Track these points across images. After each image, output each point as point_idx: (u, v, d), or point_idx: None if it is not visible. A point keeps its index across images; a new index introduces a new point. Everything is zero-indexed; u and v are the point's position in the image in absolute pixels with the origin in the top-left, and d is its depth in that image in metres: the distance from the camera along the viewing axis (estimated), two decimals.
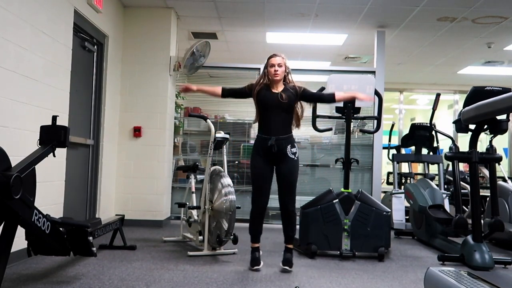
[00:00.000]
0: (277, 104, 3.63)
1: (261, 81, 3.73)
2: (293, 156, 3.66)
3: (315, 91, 3.98)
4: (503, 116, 4.24)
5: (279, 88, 3.71)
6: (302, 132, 6.70)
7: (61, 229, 3.02)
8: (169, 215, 6.30)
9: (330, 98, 3.84)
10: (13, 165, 2.61)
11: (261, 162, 3.69)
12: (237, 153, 6.72)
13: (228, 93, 3.83)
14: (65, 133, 3.01)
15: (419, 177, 7.33)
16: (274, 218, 6.46)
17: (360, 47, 7.53)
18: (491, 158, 4.41)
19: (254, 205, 3.73)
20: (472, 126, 4.16)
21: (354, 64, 8.50)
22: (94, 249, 3.13)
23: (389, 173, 7.75)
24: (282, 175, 3.68)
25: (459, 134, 7.87)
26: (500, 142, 9.43)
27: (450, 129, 8.96)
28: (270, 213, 6.47)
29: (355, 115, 4.71)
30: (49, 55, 4.01)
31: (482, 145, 7.61)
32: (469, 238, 4.08)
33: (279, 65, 3.68)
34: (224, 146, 4.58)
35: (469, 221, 4.22)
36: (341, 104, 4.58)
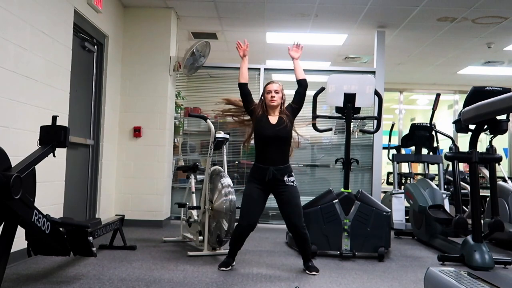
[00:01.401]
0: (275, 136, 3.62)
1: (259, 110, 3.72)
2: (291, 183, 3.64)
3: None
4: (503, 116, 4.24)
5: (276, 114, 3.71)
6: (302, 132, 6.69)
7: (61, 229, 3.02)
8: (169, 215, 6.30)
9: (301, 83, 3.77)
10: (13, 165, 2.61)
11: (256, 188, 3.64)
12: (237, 153, 6.72)
13: (243, 87, 3.78)
14: (65, 133, 3.00)
15: (419, 177, 7.34)
16: (274, 218, 6.47)
17: (360, 47, 7.53)
18: (491, 158, 4.41)
19: (240, 225, 3.65)
20: (472, 126, 4.16)
21: (354, 64, 8.50)
22: (94, 249, 3.13)
23: (389, 173, 7.75)
24: (284, 200, 3.64)
25: (459, 134, 7.89)
26: (500, 142, 9.43)
27: (450, 129, 8.96)
28: (270, 213, 6.47)
29: (355, 115, 4.71)
30: (49, 55, 4.01)
31: (482, 145, 7.61)
32: (469, 238, 4.08)
33: (276, 92, 3.69)
34: (224, 146, 4.58)
35: (469, 221, 4.22)
36: (341, 104, 4.58)
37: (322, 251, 4.31)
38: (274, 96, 3.68)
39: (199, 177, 4.95)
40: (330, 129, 5.07)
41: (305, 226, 3.68)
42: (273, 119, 3.69)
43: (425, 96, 11.53)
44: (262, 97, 3.78)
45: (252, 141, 3.83)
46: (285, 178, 3.62)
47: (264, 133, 3.65)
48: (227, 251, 4.22)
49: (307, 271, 3.64)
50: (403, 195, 6.14)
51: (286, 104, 3.79)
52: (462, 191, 4.84)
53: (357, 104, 4.58)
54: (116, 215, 4.82)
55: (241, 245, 3.78)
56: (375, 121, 4.98)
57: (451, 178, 5.81)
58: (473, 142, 4.16)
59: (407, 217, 6.10)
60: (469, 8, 5.70)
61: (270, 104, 3.69)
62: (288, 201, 3.63)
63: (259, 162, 3.68)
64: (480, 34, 6.66)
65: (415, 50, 7.71)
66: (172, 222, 6.27)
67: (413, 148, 6.60)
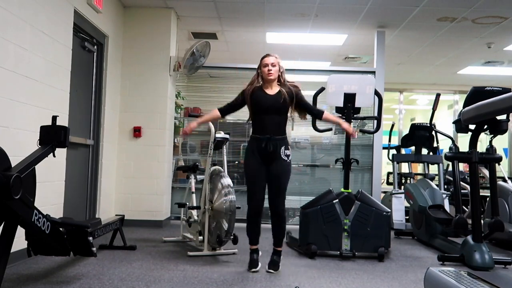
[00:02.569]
0: (272, 106, 3.59)
1: (254, 83, 3.70)
2: (285, 158, 3.61)
3: (308, 101, 3.84)
4: (503, 116, 4.24)
5: (274, 89, 3.67)
6: (302, 132, 6.71)
7: (61, 229, 3.02)
8: (169, 215, 6.30)
9: (319, 116, 3.82)
10: (13, 165, 2.61)
11: (255, 162, 3.64)
12: (237, 153, 6.72)
13: (226, 111, 3.81)
14: (65, 133, 3.00)
15: (419, 177, 7.33)
16: None
17: (360, 47, 7.53)
18: (491, 158, 4.41)
19: (250, 206, 3.69)
20: (472, 126, 4.16)
21: (354, 64, 8.50)
22: (94, 249, 3.13)
23: (389, 173, 7.75)
24: (273, 176, 3.63)
25: (459, 134, 7.89)
26: (500, 142, 9.42)
27: (450, 129, 8.95)
28: (269, 213, 6.46)
29: (355, 115, 4.70)
30: (49, 55, 4.01)
31: (482, 145, 7.61)
32: (469, 238, 4.08)
33: (273, 65, 3.64)
34: (224, 146, 4.58)
35: (469, 221, 4.22)
36: (341, 104, 4.58)
37: (322, 251, 4.31)
38: (271, 70, 3.62)
39: (199, 177, 4.95)
40: (330, 129, 5.07)
41: (284, 209, 3.71)
42: (270, 91, 3.66)
43: (425, 96, 11.53)
44: (259, 71, 3.70)
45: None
46: (282, 150, 3.59)
47: (260, 103, 3.61)
48: (227, 251, 4.25)
49: (266, 267, 3.64)
50: (403, 195, 6.13)
51: (283, 76, 3.70)
52: (462, 191, 4.84)
53: (357, 104, 4.58)
54: (116, 215, 4.83)
55: (259, 227, 3.76)
56: (375, 121, 4.98)
57: (451, 178, 5.81)
58: (473, 142, 4.16)
59: (407, 217, 6.10)
60: (469, 8, 5.70)
61: (267, 78, 3.64)
62: (277, 178, 3.61)
63: (255, 133, 3.66)
64: (480, 34, 6.66)
65: (415, 50, 7.71)
66: (172, 222, 6.27)
67: (413, 148, 6.60)
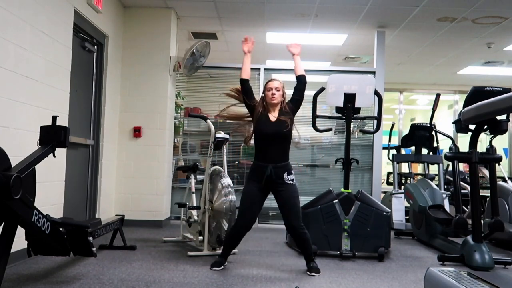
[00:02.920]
0: (275, 134, 3.61)
1: (260, 108, 3.71)
2: (290, 182, 3.62)
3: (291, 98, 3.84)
4: (503, 116, 4.24)
5: (276, 112, 3.69)
6: (302, 132, 6.70)
7: (61, 229, 3.02)
8: (169, 215, 6.30)
9: (299, 79, 3.80)
10: (13, 165, 2.61)
11: (254, 188, 3.64)
12: (237, 153, 6.72)
13: (245, 83, 3.77)
14: (65, 133, 3.00)
15: (419, 177, 7.34)
16: (274, 218, 6.46)
17: (360, 47, 7.53)
18: (491, 158, 4.41)
19: (237, 224, 3.68)
20: (472, 126, 4.16)
21: (354, 64, 8.50)
22: (94, 249, 3.13)
23: (389, 173, 7.75)
24: (282, 199, 3.63)
25: (459, 134, 7.88)
26: (500, 142, 9.43)
27: (450, 129, 8.96)
28: (270, 213, 6.47)
29: (355, 115, 4.70)
30: (49, 55, 4.01)
31: (482, 145, 7.61)
32: (469, 238, 4.08)
33: (277, 89, 3.68)
34: (224, 146, 4.58)
35: (469, 221, 4.22)
36: (341, 104, 4.58)
37: (322, 251, 4.31)
38: (274, 94, 3.67)
39: (199, 177, 4.96)
40: (330, 129, 5.07)
41: (304, 226, 3.64)
42: (273, 117, 3.68)
43: (425, 96, 11.53)
44: (263, 95, 3.78)
45: (252, 141, 3.83)
46: (285, 176, 3.61)
47: (264, 131, 3.63)
48: None
49: (307, 272, 3.62)
50: (403, 195, 6.13)
51: (285, 103, 3.78)
52: (462, 191, 4.84)
53: (357, 104, 4.58)
54: (116, 215, 4.83)
55: (236, 245, 3.83)
56: (375, 121, 4.97)
57: (451, 178, 5.81)
58: (473, 142, 4.16)
59: (407, 217, 6.10)
60: (469, 8, 5.70)
61: (271, 102, 3.69)
62: (286, 200, 3.61)
63: (258, 160, 3.67)
64: (480, 34, 6.67)
65: (415, 50, 7.71)
66: (172, 222, 6.27)
67: (413, 148, 6.60)
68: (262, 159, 3.64)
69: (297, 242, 3.72)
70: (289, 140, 3.69)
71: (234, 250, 4.28)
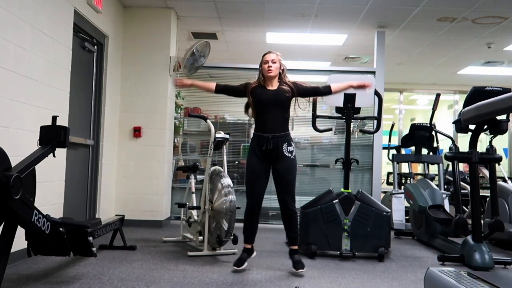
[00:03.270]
0: (273, 101, 3.59)
1: (255, 83, 3.72)
2: (289, 155, 3.59)
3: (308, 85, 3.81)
4: (503, 116, 4.24)
5: (274, 86, 3.67)
6: (302, 132, 6.71)
7: (61, 229, 3.02)
8: (169, 215, 6.30)
9: (327, 91, 3.78)
10: (13, 165, 2.61)
11: (256, 160, 3.62)
12: (237, 153, 6.72)
13: (222, 89, 3.80)
14: (65, 133, 3.00)
15: (419, 177, 7.34)
16: (274, 218, 6.46)
17: (360, 47, 7.53)
18: (491, 158, 4.41)
19: (248, 202, 3.68)
20: (472, 127, 4.16)
21: (354, 64, 8.50)
22: (94, 249, 3.13)
23: (389, 173, 7.75)
24: (278, 174, 3.62)
25: (459, 134, 7.88)
26: (500, 142, 9.43)
27: (450, 129, 8.96)
28: (270, 213, 6.47)
29: (355, 115, 4.70)
30: (49, 55, 4.01)
31: (482, 145, 7.61)
32: (469, 238, 4.08)
33: (273, 61, 3.63)
34: (224, 146, 4.58)
35: (469, 221, 4.22)
36: (341, 104, 4.58)
37: (322, 251, 4.31)
38: (271, 66, 3.62)
39: (199, 177, 4.96)
40: (330, 129, 5.07)
41: (295, 206, 3.64)
42: (270, 87, 3.66)
43: (425, 96, 11.53)
44: (260, 68, 3.72)
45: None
46: (284, 147, 3.57)
47: (261, 100, 3.61)
48: (227, 251, 4.25)
49: (293, 269, 3.58)
50: (403, 195, 6.13)
51: (285, 74, 3.72)
52: (462, 191, 4.84)
53: (357, 104, 4.58)
54: (116, 215, 4.83)
55: (256, 226, 3.74)
56: (375, 121, 4.98)
57: (451, 178, 5.81)
58: (473, 142, 4.16)
59: (407, 217, 6.10)
60: (469, 8, 5.70)
61: (267, 75, 3.64)
62: (282, 175, 3.59)
63: (258, 130, 3.65)
64: (480, 34, 6.67)
65: (415, 50, 7.71)
66: (172, 222, 6.27)
67: (413, 148, 6.60)
68: (261, 130, 3.62)
69: (284, 217, 3.69)
70: (287, 110, 3.63)
71: (234, 250, 4.28)
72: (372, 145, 6.53)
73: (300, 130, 6.68)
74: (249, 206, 3.67)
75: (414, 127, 6.34)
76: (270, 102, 3.60)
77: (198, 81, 3.96)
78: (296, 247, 3.72)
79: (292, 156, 3.61)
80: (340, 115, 4.70)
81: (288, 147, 3.59)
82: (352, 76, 5.00)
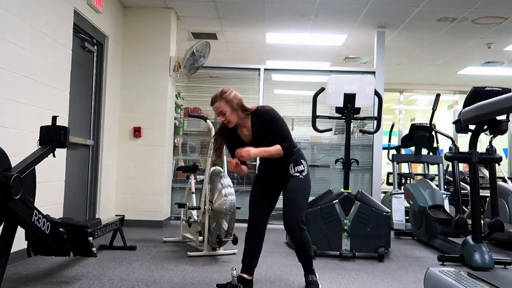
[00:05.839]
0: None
1: (225, 134, 3.11)
2: (298, 174, 3.05)
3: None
4: (503, 117, 4.24)
5: (246, 125, 3.02)
6: (302, 132, 6.71)
7: (61, 229, 3.02)
8: (169, 216, 6.30)
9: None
10: (13, 166, 2.61)
11: (260, 189, 3.17)
12: None
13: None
14: (65, 133, 3.01)
15: (419, 177, 7.34)
16: (274, 218, 6.42)
17: (360, 47, 7.53)
18: (491, 158, 4.41)
19: (247, 229, 3.19)
20: (472, 127, 4.16)
21: (354, 65, 8.50)
22: (94, 249, 3.13)
23: (389, 174, 7.75)
24: (286, 193, 3.09)
25: (459, 135, 7.89)
26: (500, 143, 9.43)
27: (450, 129, 8.96)
28: None
29: (355, 116, 4.70)
30: (49, 56, 4.01)
31: (482, 145, 7.61)
32: (469, 238, 4.08)
33: (222, 113, 2.96)
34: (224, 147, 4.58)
35: (469, 221, 4.22)
36: (341, 104, 4.58)
37: (322, 251, 4.31)
38: (224, 120, 2.99)
39: (199, 177, 4.96)
40: (330, 130, 5.07)
41: (302, 228, 3.03)
42: (245, 133, 3.05)
43: (425, 97, 11.53)
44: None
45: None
46: (290, 168, 3.05)
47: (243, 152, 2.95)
48: (227, 251, 4.25)
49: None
50: (403, 196, 6.13)
51: (245, 107, 2.99)
52: (462, 191, 4.84)
53: (357, 105, 4.58)
54: (116, 215, 4.83)
55: (254, 257, 3.17)
56: (375, 121, 4.98)
57: (451, 179, 5.81)
58: (473, 142, 4.16)
59: (407, 217, 6.10)
60: (469, 8, 5.70)
61: (228, 126, 3.03)
62: (285, 193, 3.09)
63: (262, 164, 3.25)
64: (480, 34, 6.66)
65: (415, 50, 7.71)
66: (172, 222, 6.27)
67: (413, 148, 6.60)
68: (264, 165, 3.22)
69: (294, 246, 3.17)
70: (275, 139, 2.98)
71: (234, 250, 4.29)
72: (372, 145, 6.53)
73: (300, 130, 6.68)
74: (246, 237, 3.17)
75: (414, 127, 6.34)
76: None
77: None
78: (312, 268, 3.18)
79: (301, 176, 3.05)
80: (340, 115, 4.70)
81: (295, 167, 3.06)
82: (352, 77, 5.00)
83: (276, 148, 2.95)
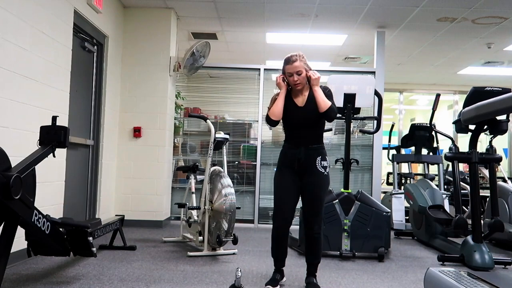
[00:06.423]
0: (303, 121, 3.15)
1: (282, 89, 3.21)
2: (322, 170, 3.15)
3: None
4: (503, 117, 4.25)
5: (304, 94, 3.18)
6: None
7: (61, 229, 3.02)
8: (169, 216, 6.30)
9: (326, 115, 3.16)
10: (13, 166, 2.61)
11: (286, 174, 3.18)
12: (237, 153, 6.72)
13: (273, 124, 3.26)
14: (65, 133, 3.01)
15: (419, 177, 7.34)
16: None
17: (360, 47, 7.53)
18: (491, 158, 4.41)
19: (274, 224, 3.19)
20: (472, 127, 4.17)
21: (354, 65, 8.51)
22: (94, 249, 3.13)
23: (389, 174, 7.75)
24: (307, 188, 3.16)
25: (459, 135, 7.89)
26: (500, 143, 9.43)
27: (450, 129, 8.96)
28: (270, 213, 6.47)
29: (355, 116, 4.71)
30: (49, 56, 4.01)
31: (482, 145, 7.62)
32: (469, 238, 4.08)
33: (298, 73, 3.12)
34: (224, 147, 4.58)
35: (469, 221, 4.22)
36: (341, 104, 4.58)
37: (322, 251, 4.30)
38: (297, 80, 3.13)
39: (199, 177, 4.96)
40: (330, 129, 5.07)
41: (320, 228, 3.19)
42: (301, 99, 3.18)
43: (425, 97, 11.53)
44: (284, 76, 3.21)
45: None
46: (317, 161, 3.14)
47: (290, 117, 3.17)
48: (227, 251, 4.25)
49: None
50: (403, 196, 6.14)
51: (314, 75, 3.14)
52: (462, 191, 4.84)
53: (357, 105, 4.59)
54: (116, 215, 4.83)
55: (285, 249, 3.25)
56: (375, 121, 4.98)
57: (451, 179, 5.81)
58: (473, 142, 4.17)
59: (407, 217, 6.10)
60: (469, 8, 5.70)
61: (296, 89, 3.18)
62: (311, 191, 3.15)
63: (287, 141, 3.24)
64: (480, 34, 6.67)
65: (415, 50, 7.71)
66: (172, 222, 6.28)
67: (413, 148, 6.61)
68: (292, 143, 3.20)
69: (308, 244, 3.23)
70: (322, 123, 3.23)
71: (234, 250, 4.29)
72: (372, 145, 6.53)
73: None
74: (276, 228, 3.18)
75: (414, 127, 6.34)
76: (300, 122, 3.16)
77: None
78: (315, 275, 3.26)
79: (325, 172, 3.17)
80: (340, 115, 4.70)
81: (322, 162, 3.17)
82: (352, 77, 5.00)
83: (327, 101, 3.11)
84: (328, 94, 3.19)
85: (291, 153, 3.19)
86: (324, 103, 3.09)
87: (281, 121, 3.25)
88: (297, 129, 3.19)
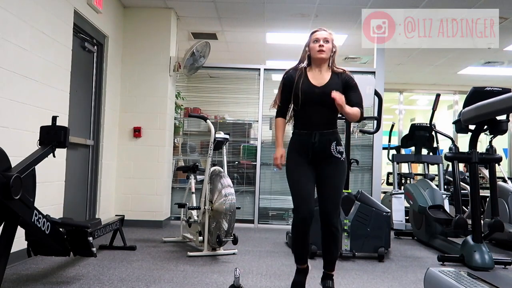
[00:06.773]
0: (320, 101, 2.86)
1: (301, 65, 3.00)
2: (339, 156, 2.89)
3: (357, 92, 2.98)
4: (503, 117, 4.24)
5: (322, 75, 2.93)
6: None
7: (61, 229, 3.02)
8: (169, 216, 6.30)
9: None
10: (13, 166, 2.61)
11: (300, 161, 2.90)
12: (237, 153, 6.72)
13: (285, 114, 3.05)
14: (65, 133, 3.01)
15: (419, 177, 7.34)
16: (274, 218, 6.46)
17: (360, 47, 7.50)
18: (491, 158, 4.41)
19: (296, 215, 2.88)
20: (472, 127, 4.17)
21: (354, 65, 8.50)
22: (94, 249, 3.14)
23: (389, 174, 7.75)
24: (324, 177, 2.90)
25: (459, 135, 7.88)
26: (500, 143, 9.42)
27: (450, 129, 8.95)
28: (270, 213, 6.47)
29: None
30: (49, 56, 4.01)
31: (482, 145, 7.61)
32: (469, 238, 4.08)
33: (325, 40, 2.92)
34: (224, 147, 4.58)
35: (469, 221, 4.22)
36: None
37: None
38: (323, 46, 2.91)
39: (199, 177, 4.96)
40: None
41: (338, 221, 2.95)
42: (317, 79, 2.92)
43: (425, 97, 11.53)
44: (306, 48, 3.03)
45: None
46: (333, 146, 2.88)
47: (306, 97, 2.87)
48: (227, 251, 4.25)
49: None
50: (403, 196, 6.14)
51: (335, 60, 2.98)
52: (462, 191, 4.84)
53: None
54: (116, 215, 4.83)
55: (307, 243, 2.99)
56: (375, 122, 4.98)
57: (451, 179, 5.81)
58: (473, 142, 4.17)
59: (407, 218, 6.10)
60: (469, 9, 5.69)
61: (317, 56, 2.92)
62: (329, 179, 2.89)
63: (299, 128, 2.95)
64: None
65: (415, 50, 7.70)
66: (172, 222, 6.27)
67: (413, 148, 6.61)
68: (304, 126, 2.92)
69: (325, 238, 2.95)
70: (337, 110, 2.84)
71: (234, 250, 4.29)
72: (372, 145, 6.53)
73: None
74: (299, 219, 2.87)
75: (414, 127, 6.34)
76: (316, 102, 2.87)
77: (279, 142, 3.03)
78: (333, 273, 3.02)
79: (342, 158, 2.91)
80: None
81: (337, 147, 2.89)
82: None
83: (357, 110, 2.87)
84: (354, 85, 2.95)
85: (304, 139, 2.90)
86: (355, 117, 2.89)
87: (291, 105, 2.99)
88: (311, 113, 2.90)
